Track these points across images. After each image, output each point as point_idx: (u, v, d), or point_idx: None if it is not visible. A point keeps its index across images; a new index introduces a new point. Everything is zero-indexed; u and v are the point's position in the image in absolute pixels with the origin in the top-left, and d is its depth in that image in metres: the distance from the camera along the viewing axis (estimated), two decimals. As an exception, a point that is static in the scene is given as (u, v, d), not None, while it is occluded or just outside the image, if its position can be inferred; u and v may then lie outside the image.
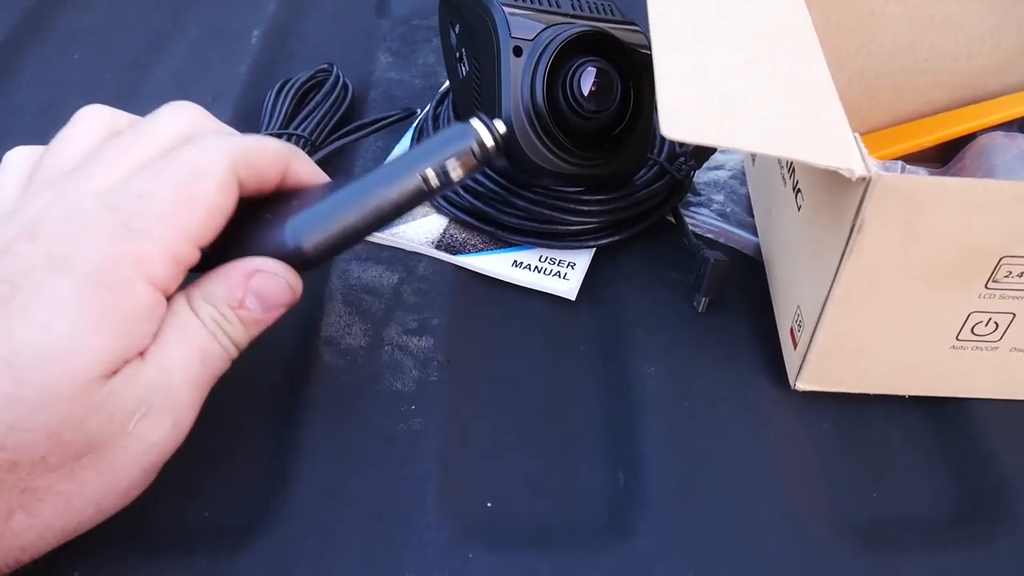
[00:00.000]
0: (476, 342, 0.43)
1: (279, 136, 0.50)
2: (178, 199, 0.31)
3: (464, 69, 0.47)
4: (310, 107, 0.53)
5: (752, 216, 0.50)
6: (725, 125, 0.33)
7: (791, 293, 0.41)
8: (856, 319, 0.37)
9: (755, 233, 0.48)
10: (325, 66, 0.56)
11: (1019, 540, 0.36)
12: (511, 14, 0.42)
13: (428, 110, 0.52)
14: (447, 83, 0.52)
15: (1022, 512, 0.37)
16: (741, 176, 0.52)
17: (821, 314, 0.37)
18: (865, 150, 0.33)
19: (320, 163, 0.51)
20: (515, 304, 0.45)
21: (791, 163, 0.42)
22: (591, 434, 0.39)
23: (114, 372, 0.29)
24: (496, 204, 0.46)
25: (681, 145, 0.50)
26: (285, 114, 0.52)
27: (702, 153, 0.49)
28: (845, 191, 0.33)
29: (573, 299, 0.45)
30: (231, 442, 0.38)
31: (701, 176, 0.52)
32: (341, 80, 0.56)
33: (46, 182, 0.33)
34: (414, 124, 0.53)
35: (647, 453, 0.38)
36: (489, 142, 0.35)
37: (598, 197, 0.46)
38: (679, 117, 0.32)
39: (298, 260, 0.34)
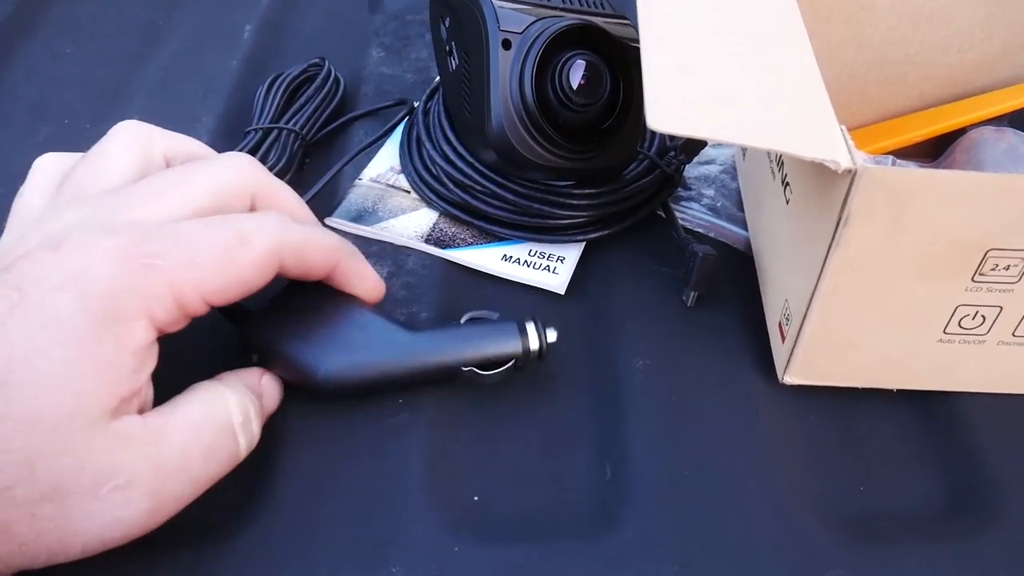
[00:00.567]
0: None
1: (269, 130, 0.50)
2: (213, 256, 0.31)
3: (454, 63, 0.47)
4: (301, 101, 0.53)
5: (742, 210, 0.49)
6: (712, 118, 0.33)
7: (779, 287, 0.41)
8: (843, 312, 0.37)
9: (745, 227, 0.48)
10: (317, 60, 0.56)
11: (1006, 532, 0.36)
12: (500, 7, 0.42)
13: (419, 105, 0.52)
14: (439, 77, 0.52)
15: (1009, 505, 0.37)
16: (732, 170, 0.52)
17: (809, 307, 0.37)
18: (852, 143, 0.32)
19: (311, 149, 0.52)
20: (504, 298, 0.44)
21: (780, 156, 0.42)
22: (579, 428, 0.39)
23: (105, 415, 0.29)
24: (485, 198, 0.46)
25: (671, 139, 0.50)
26: (276, 108, 0.52)
27: (692, 147, 0.49)
28: (832, 184, 0.33)
29: (562, 293, 0.45)
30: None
31: (691, 170, 0.52)
32: (333, 74, 0.56)
33: (79, 195, 0.33)
34: (404, 123, 0.53)
35: (635, 447, 0.38)
36: (534, 347, 0.38)
37: (588, 191, 0.46)
38: (666, 110, 0.32)
39: (318, 387, 0.36)
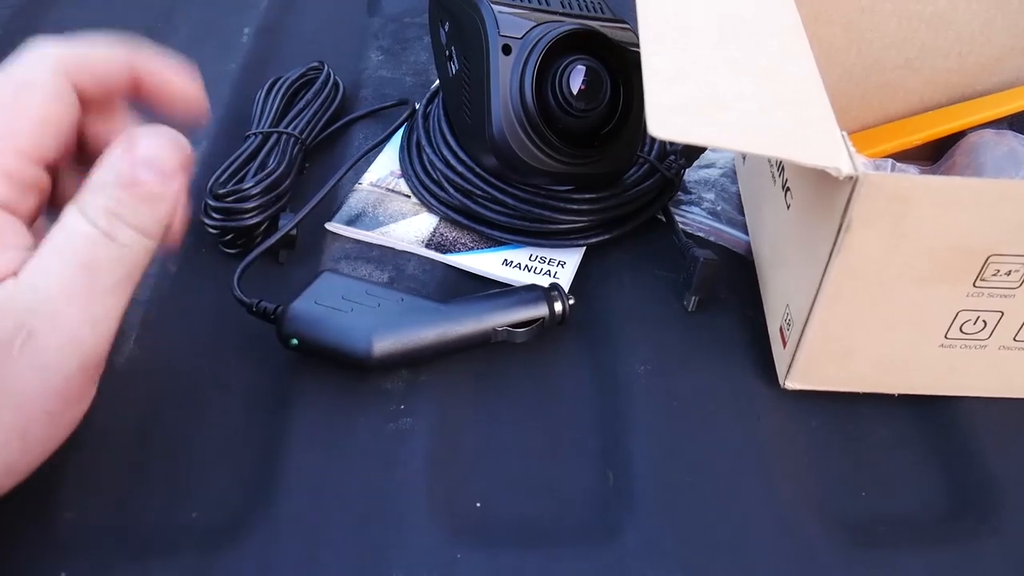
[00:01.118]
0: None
1: (269, 135, 0.50)
2: (1, 115, 0.30)
3: (454, 67, 0.47)
4: (300, 105, 0.53)
5: (743, 214, 0.49)
6: (712, 124, 0.33)
7: (780, 292, 0.41)
8: (845, 318, 0.37)
9: (746, 231, 0.48)
10: (316, 64, 0.56)
11: (1007, 537, 0.36)
12: (500, 12, 0.42)
13: (419, 109, 0.52)
14: (438, 81, 0.52)
15: (1010, 509, 0.37)
16: (732, 174, 0.52)
17: (810, 313, 0.37)
18: (853, 149, 0.32)
19: (311, 153, 0.52)
20: (505, 303, 0.44)
21: (780, 161, 0.42)
22: (580, 433, 0.39)
23: None
24: (486, 203, 0.46)
25: (672, 143, 0.50)
26: (275, 112, 0.52)
27: (692, 151, 0.49)
28: (833, 190, 0.33)
29: (563, 298, 0.45)
30: (219, 442, 0.37)
31: (692, 174, 0.52)
32: (332, 78, 0.56)
33: None
34: (403, 128, 0.52)
35: (636, 452, 0.38)
36: (558, 310, 0.41)
37: (588, 196, 0.46)
38: (667, 116, 0.32)
39: (364, 363, 0.38)
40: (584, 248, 0.47)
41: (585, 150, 0.44)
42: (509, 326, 0.40)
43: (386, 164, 0.51)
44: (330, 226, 0.47)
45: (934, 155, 0.51)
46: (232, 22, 0.64)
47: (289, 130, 0.50)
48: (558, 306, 0.41)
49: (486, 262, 0.46)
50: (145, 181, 0.31)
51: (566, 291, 0.42)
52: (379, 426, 0.38)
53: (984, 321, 0.37)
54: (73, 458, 0.36)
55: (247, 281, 0.41)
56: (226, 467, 0.37)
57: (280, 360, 0.41)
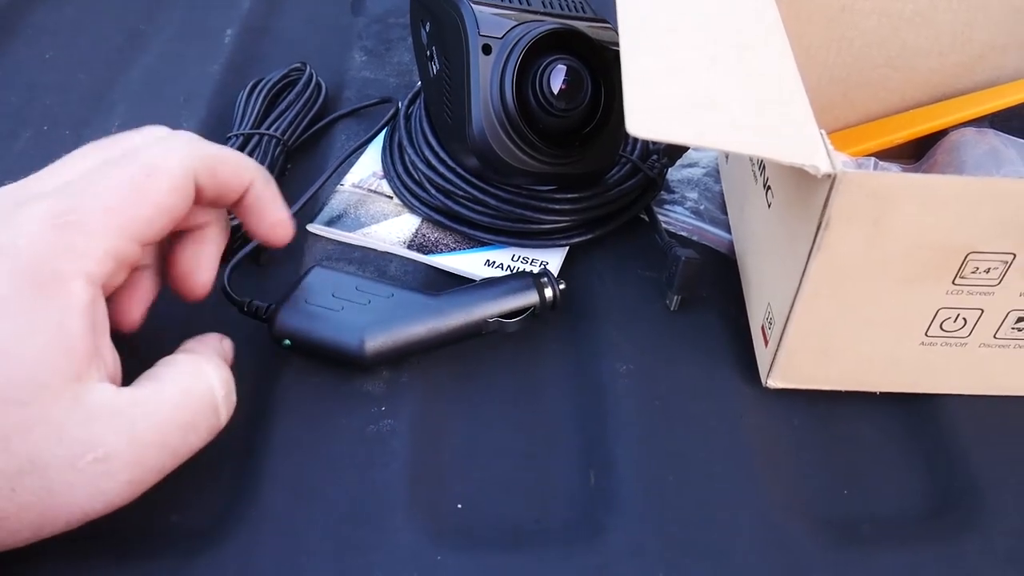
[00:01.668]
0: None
1: (250, 136, 0.49)
2: (123, 195, 0.31)
3: (435, 67, 0.46)
4: (282, 107, 0.53)
5: (726, 213, 0.49)
6: (691, 123, 0.33)
7: (762, 290, 0.41)
8: (825, 316, 0.37)
9: (729, 231, 0.48)
10: (298, 65, 0.56)
11: (989, 534, 0.36)
12: (480, 11, 0.42)
13: (401, 109, 0.52)
14: (420, 82, 0.52)
15: (992, 506, 0.37)
16: (715, 173, 0.52)
17: (791, 311, 0.37)
18: (831, 147, 0.32)
19: (293, 155, 0.52)
20: (488, 303, 0.44)
21: (761, 160, 0.42)
22: (562, 434, 0.39)
23: (70, 382, 0.28)
24: (468, 203, 0.46)
25: (654, 143, 0.50)
26: (257, 114, 0.51)
27: (675, 151, 0.49)
28: (812, 188, 0.33)
29: (546, 298, 0.44)
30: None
31: (675, 173, 0.52)
32: (314, 79, 0.56)
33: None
34: (385, 131, 0.52)
35: (619, 452, 0.38)
36: (549, 297, 0.41)
37: (570, 195, 0.46)
38: (646, 115, 0.32)
39: (358, 360, 0.39)
40: (567, 248, 0.47)
41: (567, 150, 0.44)
42: (501, 316, 0.40)
43: (368, 165, 0.51)
44: (312, 227, 0.47)
45: (917, 153, 0.52)
46: (215, 23, 0.64)
47: (271, 132, 0.50)
48: (548, 292, 0.41)
49: (468, 263, 0.46)
50: None
51: (556, 276, 0.42)
52: (360, 428, 0.38)
53: (964, 319, 0.37)
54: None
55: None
56: (206, 470, 0.36)
57: (261, 362, 0.40)
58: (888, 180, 0.32)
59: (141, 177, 0.31)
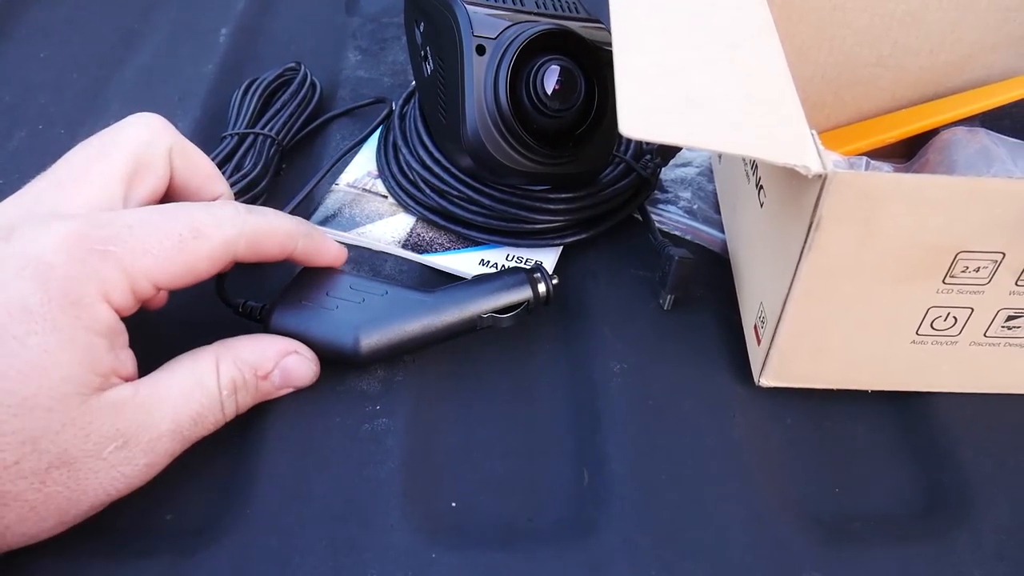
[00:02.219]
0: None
1: (245, 136, 0.49)
2: (166, 247, 0.33)
3: (429, 68, 0.47)
4: (277, 106, 0.53)
5: (719, 213, 0.50)
6: (683, 123, 0.33)
7: (755, 290, 0.41)
8: (817, 315, 0.37)
9: (722, 230, 0.49)
10: (293, 65, 0.56)
11: (980, 532, 0.36)
12: (473, 12, 0.42)
13: (396, 109, 0.52)
14: (415, 82, 0.52)
15: (983, 504, 0.37)
16: (708, 173, 0.53)
17: (783, 310, 0.37)
18: (822, 147, 0.33)
19: (288, 154, 0.52)
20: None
21: (754, 160, 0.42)
22: (556, 432, 0.39)
23: (95, 390, 0.30)
24: (462, 203, 0.46)
25: (648, 143, 0.50)
26: (252, 113, 0.52)
27: (668, 150, 0.49)
28: (803, 188, 0.34)
29: (540, 297, 0.45)
30: (194, 444, 0.37)
31: (668, 173, 0.52)
32: (309, 79, 0.56)
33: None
34: (379, 131, 0.52)
35: (612, 450, 0.38)
36: (542, 292, 0.41)
37: (564, 195, 0.46)
38: (638, 115, 0.32)
39: (353, 359, 0.39)
40: (561, 248, 0.47)
41: (560, 150, 0.44)
42: (495, 312, 0.40)
43: (363, 164, 0.51)
44: (306, 227, 0.47)
45: (908, 153, 0.52)
46: (209, 22, 0.64)
47: (265, 131, 0.50)
48: (542, 287, 0.41)
49: (463, 262, 0.46)
50: (271, 383, 0.37)
51: (549, 272, 0.42)
52: (354, 427, 0.38)
53: (955, 317, 0.37)
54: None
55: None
56: (201, 469, 0.36)
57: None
58: (878, 180, 0.33)
59: (188, 238, 0.33)
